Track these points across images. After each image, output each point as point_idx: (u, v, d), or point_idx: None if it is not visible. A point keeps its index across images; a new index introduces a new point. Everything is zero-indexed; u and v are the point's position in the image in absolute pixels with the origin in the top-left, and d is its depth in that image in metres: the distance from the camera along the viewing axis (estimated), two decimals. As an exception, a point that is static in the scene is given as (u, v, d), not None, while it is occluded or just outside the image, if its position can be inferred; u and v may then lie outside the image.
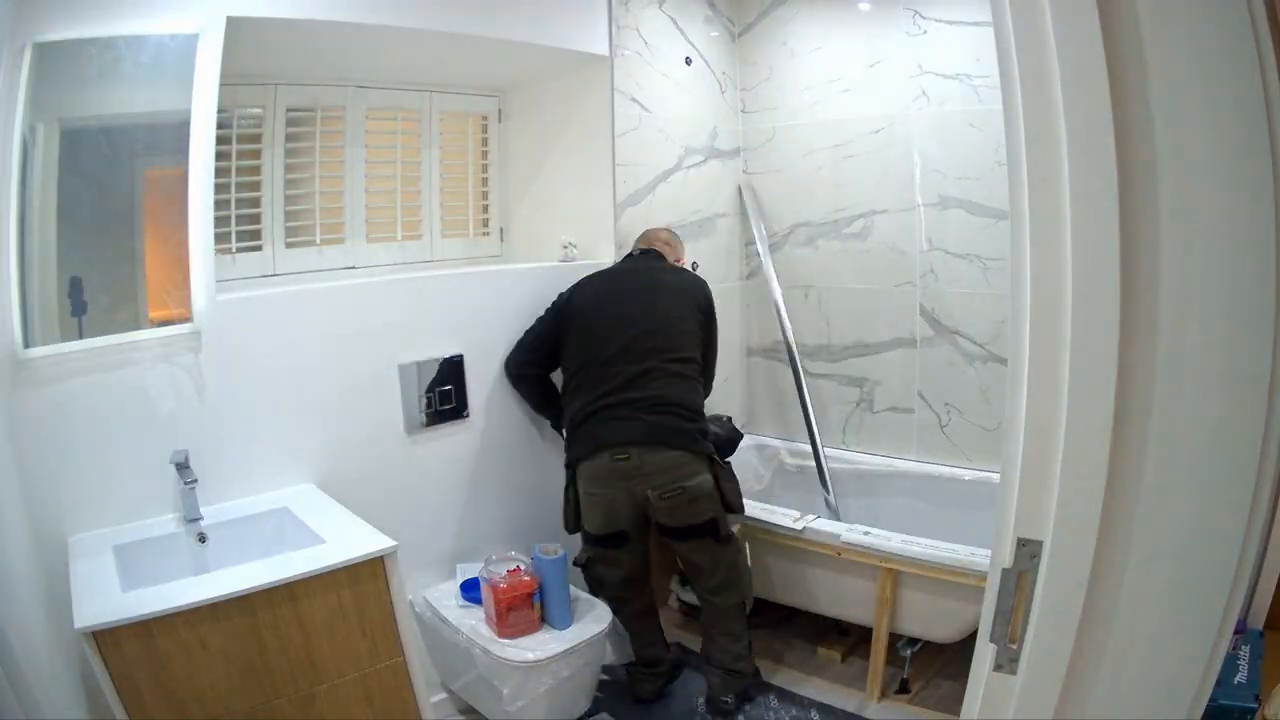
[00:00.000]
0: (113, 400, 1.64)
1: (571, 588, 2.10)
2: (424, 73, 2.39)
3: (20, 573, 1.38)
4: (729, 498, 2.11)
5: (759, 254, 2.92)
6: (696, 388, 2.17)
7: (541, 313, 2.31)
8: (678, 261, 2.42)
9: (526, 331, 2.29)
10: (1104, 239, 0.66)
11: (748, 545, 2.30)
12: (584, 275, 2.33)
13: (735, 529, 2.24)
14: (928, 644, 2.25)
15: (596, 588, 2.22)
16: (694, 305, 2.23)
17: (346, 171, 2.32)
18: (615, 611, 2.16)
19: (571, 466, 2.15)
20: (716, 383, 2.38)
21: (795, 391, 2.76)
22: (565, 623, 2.03)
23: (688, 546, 2.15)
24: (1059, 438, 0.69)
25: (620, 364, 2.10)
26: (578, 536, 2.23)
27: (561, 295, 2.29)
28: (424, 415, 2.17)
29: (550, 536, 2.43)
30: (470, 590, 2.13)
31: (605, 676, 2.28)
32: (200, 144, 1.68)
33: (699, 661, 2.32)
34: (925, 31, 2.54)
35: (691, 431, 2.07)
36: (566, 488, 2.19)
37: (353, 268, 2.36)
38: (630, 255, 2.41)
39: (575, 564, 2.23)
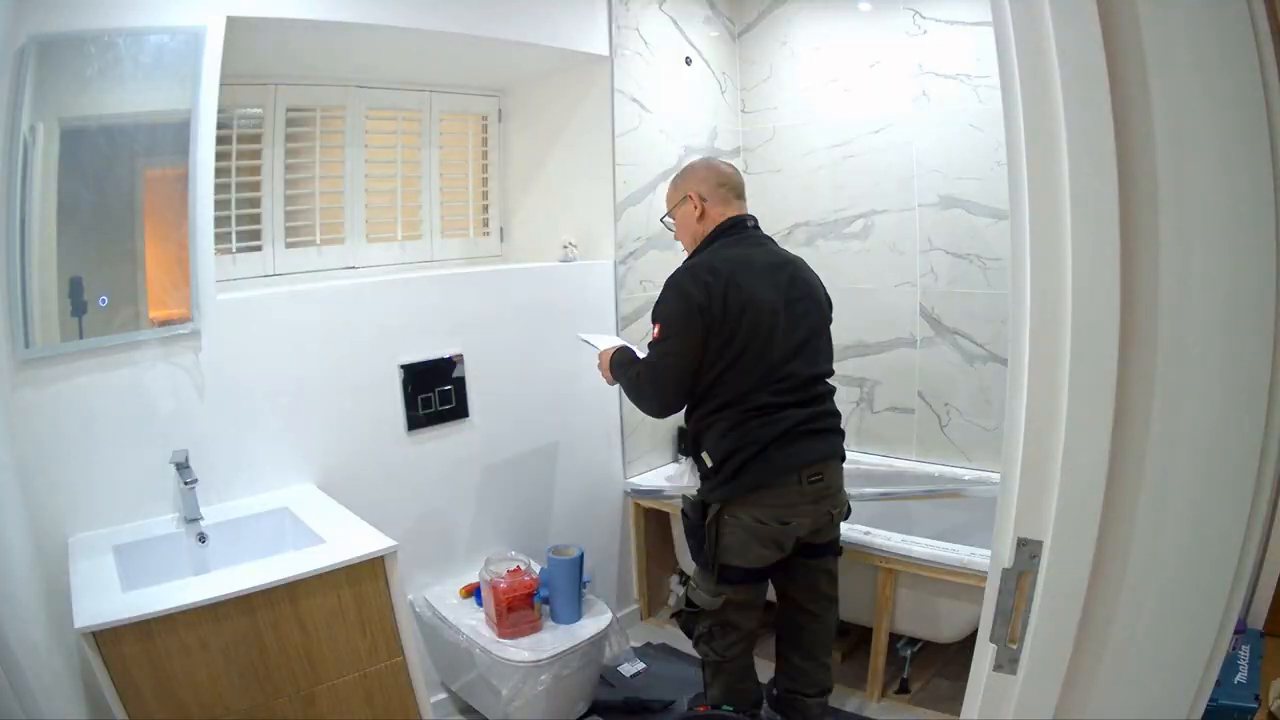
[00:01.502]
0: (113, 400, 1.65)
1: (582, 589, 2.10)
2: (424, 73, 2.39)
3: (20, 573, 1.38)
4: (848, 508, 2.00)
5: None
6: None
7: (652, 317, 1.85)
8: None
9: (664, 356, 1.80)
10: (1104, 239, 0.66)
11: None
12: (706, 256, 1.86)
13: None
14: (928, 644, 2.25)
15: (716, 634, 1.90)
16: (825, 302, 1.95)
17: (346, 171, 2.32)
18: (735, 658, 1.92)
19: (728, 498, 1.81)
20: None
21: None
22: (575, 618, 2.04)
23: (819, 563, 1.96)
24: (1059, 438, 0.69)
25: (797, 367, 1.81)
26: (595, 540, 2.16)
27: (691, 287, 1.77)
28: (424, 415, 2.17)
29: (550, 535, 2.43)
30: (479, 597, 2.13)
31: (605, 676, 2.28)
32: (201, 144, 1.69)
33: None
34: (925, 31, 2.54)
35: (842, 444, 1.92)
36: (709, 524, 1.84)
37: (353, 268, 2.36)
38: (744, 225, 1.91)
39: (686, 610, 1.95)
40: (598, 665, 2.12)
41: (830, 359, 1.94)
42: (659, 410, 1.89)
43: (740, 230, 1.90)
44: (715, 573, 1.85)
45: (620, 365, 1.96)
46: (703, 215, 1.90)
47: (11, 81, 1.45)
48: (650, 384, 1.85)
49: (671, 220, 2.00)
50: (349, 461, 2.03)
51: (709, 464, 1.85)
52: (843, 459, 1.91)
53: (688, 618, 1.97)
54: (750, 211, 1.95)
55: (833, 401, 1.91)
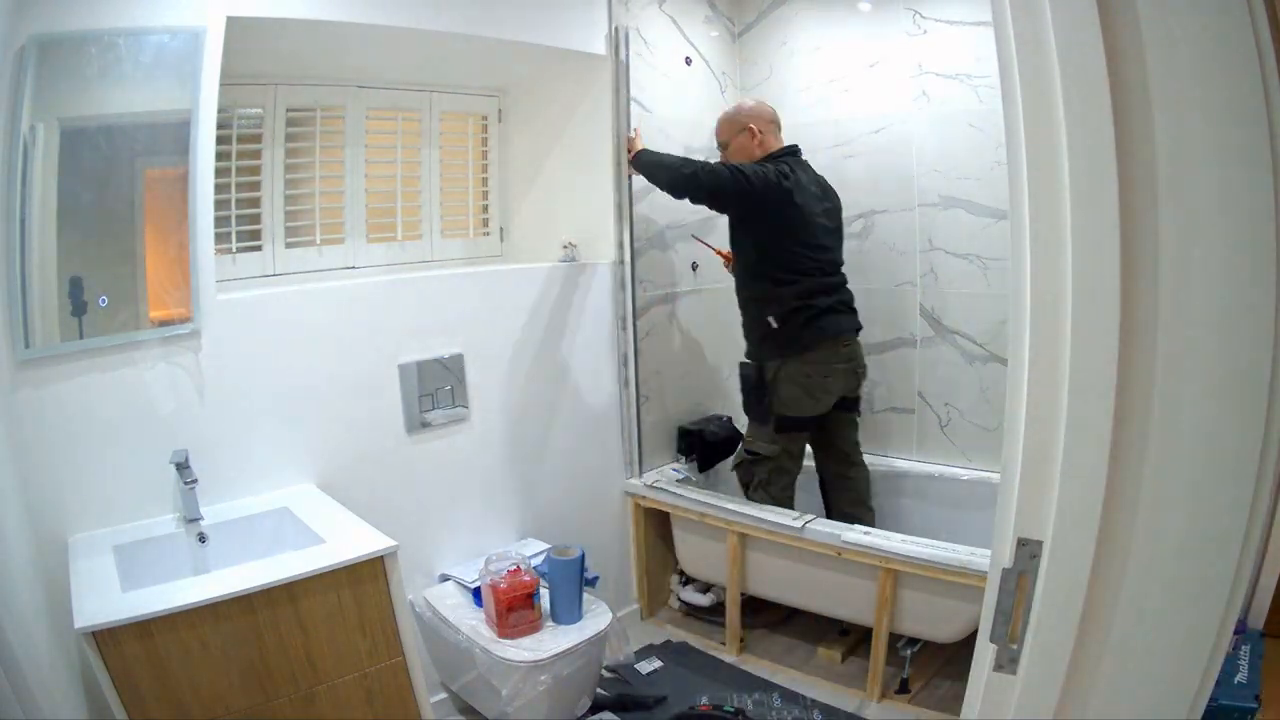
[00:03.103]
0: (113, 400, 1.65)
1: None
2: (424, 73, 2.39)
3: (20, 572, 1.38)
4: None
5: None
6: None
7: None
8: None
9: (738, 172, 2.26)
10: (1104, 239, 0.66)
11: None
12: (774, 155, 2.37)
13: None
14: (928, 644, 2.25)
15: (771, 478, 2.42)
16: (841, 207, 2.49)
17: (346, 171, 2.32)
18: (787, 495, 2.43)
19: (786, 355, 2.33)
20: (714, 381, 2.40)
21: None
22: (575, 618, 2.04)
23: (850, 416, 2.49)
24: (1059, 438, 0.69)
25: (832, 257, 2.39)
26: (595, 540, 2.20)
27: (771, 164, 2.31)
28: (424, 415, 2.17)
29: (550, 536, 2.43)
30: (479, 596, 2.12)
31: (610, 674, 2.28)
32: (201, 144, 1.69)
33: (699, 662, 2.30)
34: (925, 31, 2.54)
35: None
36: (771, 380, 2.35)
37: (353, 268, 2.36)
38: (798, 151, 2.43)
39: (746, 458, 2.47)
40: (598, 665, 2.12)
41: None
42: (697, 193, 2.31)
43: (796, 154, 2.41)
44: (774, 424, 2.37)
45: (661, 160, 2.37)
46: (761, 144, 2.38)
47: (11, 81, 1.45)
48: (710, 177, 2.26)
49: (725, 148, 2.45)
50: (349, 461, 2.03)
51: (774, 325, 2.34)
52: (858, 330, 2.44)
53: (747, 466, 2.47)
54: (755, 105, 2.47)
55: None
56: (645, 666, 2.45)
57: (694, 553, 2.65)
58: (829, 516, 2.46)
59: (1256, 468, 0.68)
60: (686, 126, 2.78)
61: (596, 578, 2.17)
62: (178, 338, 1.72)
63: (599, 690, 2.19)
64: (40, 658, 1.32)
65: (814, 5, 2.77)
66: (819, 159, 2.80)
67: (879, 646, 2.21)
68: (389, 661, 1.60)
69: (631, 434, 2.71)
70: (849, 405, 2.47)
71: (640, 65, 2.57)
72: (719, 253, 2.67)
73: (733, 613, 2.53)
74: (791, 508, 2.42)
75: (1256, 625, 1.76)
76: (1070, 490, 0.70)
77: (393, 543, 1.57)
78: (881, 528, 2.23)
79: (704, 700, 2.24)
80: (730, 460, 2.68)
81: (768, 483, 2.42)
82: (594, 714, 2.17)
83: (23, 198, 1.48)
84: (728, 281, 2.95)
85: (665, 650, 2.58)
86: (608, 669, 2.36)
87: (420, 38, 2.04)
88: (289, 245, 2.22)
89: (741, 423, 2.74)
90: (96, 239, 1.62)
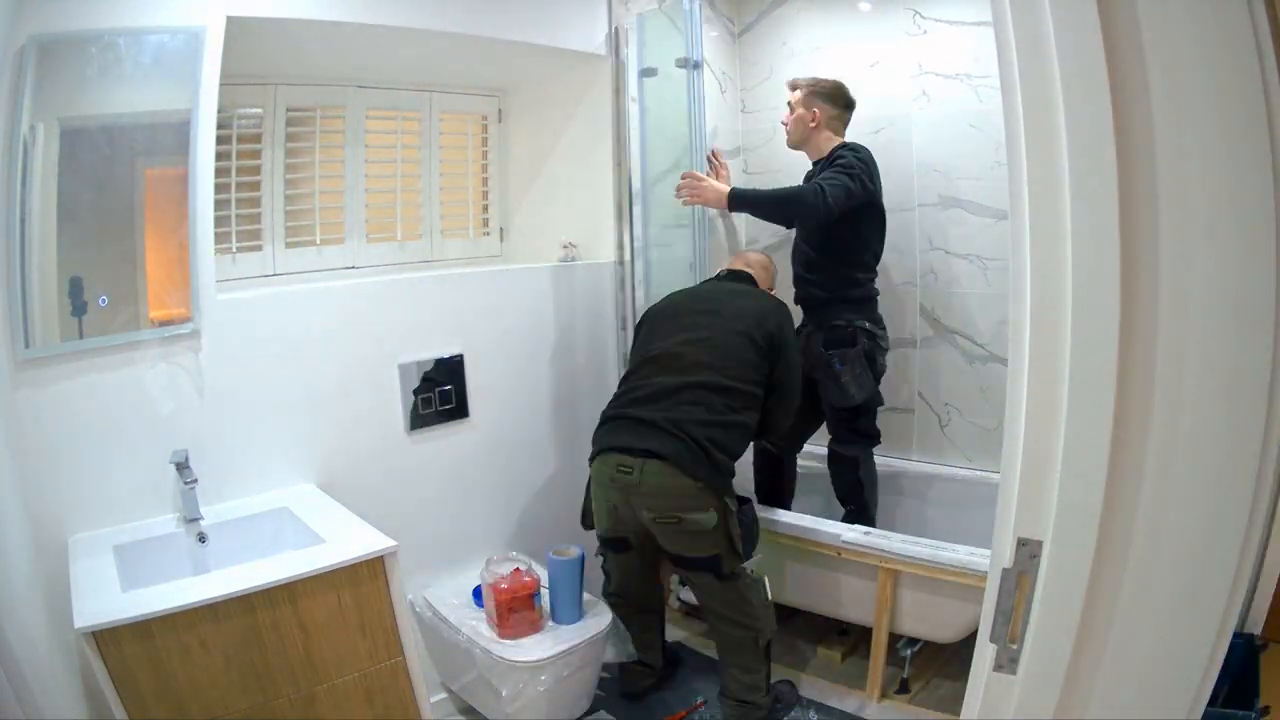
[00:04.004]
0: (113, 400, 1.65)
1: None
2: (424, 73, 2.39)
3: (20, 573, 1.38)
4: (736, 544, 1.95)
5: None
6: (735, 424, 1.96)
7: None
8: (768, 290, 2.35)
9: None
10: (1104, 239, 0.66)
11: (767, 580, 2.09)
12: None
13: (751, 565, 2.06)
14: (928, 644, 2.25)
15: (606, 582, 2.20)
16: (759, 332, 2.03)
17: (346, 171, 2.32)
18: (613, 608, 2.15)
19: (590, 462, 2.08)
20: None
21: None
22: (574, 618, 2.04)
23: (691, 575, 2.06)
24: (1059, 438, 0.69)
25: (659, 373, 2.01)
26: (595, 540, 2.18)
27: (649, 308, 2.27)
28: (424, 415, 2.17)
29: (551, 536, 2.43)
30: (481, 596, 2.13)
31: (605, 675, 2.27)
32: (201, 144, 1.69)
33: (699, 663, 2.30)
34: (925, 31, 2.53)
35: (706, 465, 1.89)
36: (589, 480, 2.12)
37: (353, 268, 2.36)
38: (718, 275, 2.33)
39: (597, 554, 2.23)
40: (598, 665, 2.12)
41: (730, 376, 1.98)
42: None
43: (715, 277, 2.34)
44: (589, 529, 2.14)
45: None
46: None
47: (11, 81, 1.45)
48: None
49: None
50: (349, 461, 2.03)
51: None
52: (688, 476, 1.87)
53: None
54: (745, 249, 2.55)
55: (708, 428, 1.91)
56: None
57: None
58: None
59: (1256, 468, 0.68)
60: (686, 126, 2.77)
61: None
62: (178, 338, 1.72)
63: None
64: (40, 658, 1.32)
65: (814, 5, 2.77)
66: (819, 159, 2.81)
67: (879, 646, 2.21)
68: (389, 661, 1.60)
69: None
70: (683, 563, 2.02)
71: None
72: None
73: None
74: (632, 641, 2.26)
75: (1256, 628, 1.75)
76: (1070, 490, 0.70)
77: (393, 543, 1.57)
78: (881, 528, 2.22)
79: (699, 699, 2.24)
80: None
81: (607, 581, 2.20)
82: (592, 714, 2.18)
83: (23, 198, 1.48)
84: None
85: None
86: (606, 671, 2.35)
87: (420, 38, 2.04)
88: (289, 245, 2.22)
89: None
90: (96, 239, 1.62)
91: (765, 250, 2.66)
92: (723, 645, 2.10)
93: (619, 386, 2.14)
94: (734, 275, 2.30)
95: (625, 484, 1.93)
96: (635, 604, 2.24)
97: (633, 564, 2.13)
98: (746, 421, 2.00)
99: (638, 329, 2.23)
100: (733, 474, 1.98)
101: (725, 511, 1.93)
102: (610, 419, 2.04)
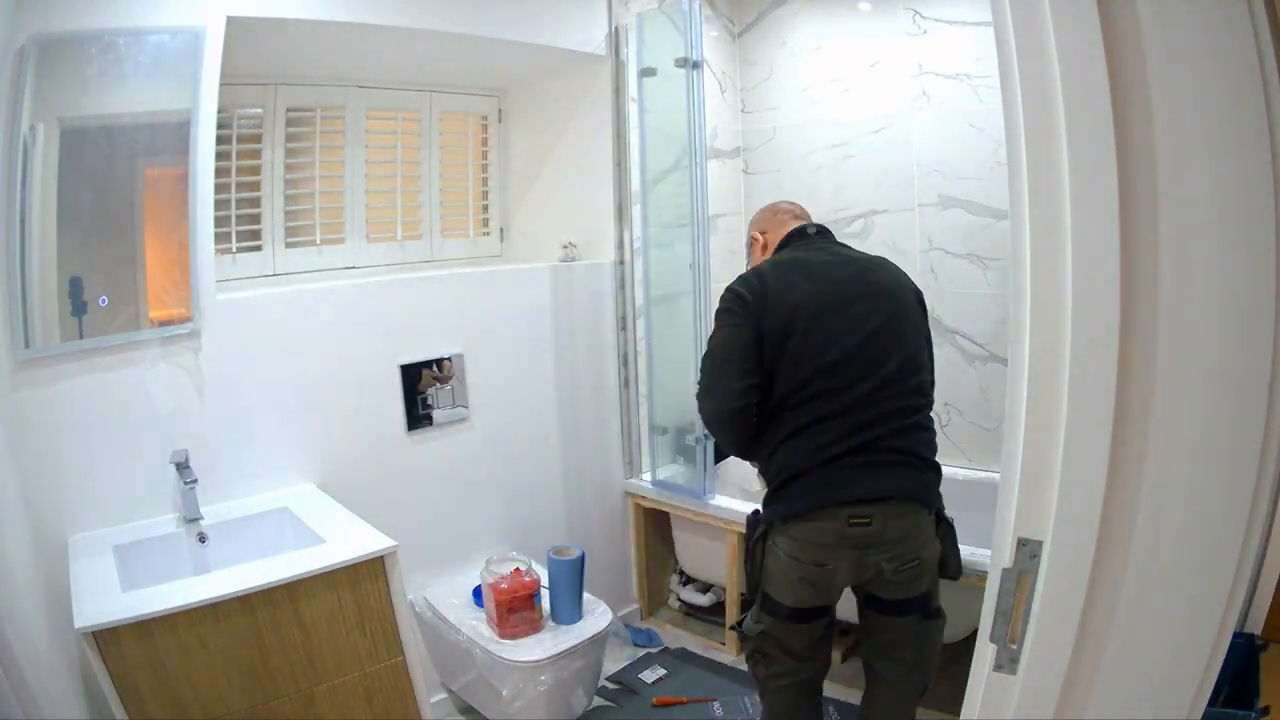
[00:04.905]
0: (113, 400, 1.65)
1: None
2: (424, 73, 2.39)
3: (20, 572, 1.38)
4: (950, 565, 1.66)
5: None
6: (933, 421, 1.68)
7: (717, 318, 1.67)
8: None
9: (719, 347, 1.64)
10: (1104, 239, 0.66)
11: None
12: (766, 264, 1.71)
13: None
14: (928, 644, 2.24)
15: (760, 663, 1.72)
16: (920, 307, 1.71)
17: (346, 171, 2.32)
18: (776, 691, 1.73)
19: (772, 521, 1.63)
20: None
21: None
22: (574, 619, 2.04)
23: (890, 621, 1.67)
24: (1059, 438, 0.69)
25: (859, 388, 1.55)
26: (595, 540, 2.12)
27: (741, 287, 1.63)
28: (424, 415, 2.17)
29: (551, 536, 2.43)
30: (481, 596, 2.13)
31: (612, 685, 2.27)
32: (201, 144, 1.69)
33: (703, 663, 2.18)
34: (925, 31, 2.53)
35: (935, 488, 1.63)
36: (755, 543, 1.67)
37: (353, 268, 2.36)
38: (804, 233, 1.75)
39: (733, 629, 1.84)
40: (598, 665, 2.12)
41: (919, 369, 1.64)
42: (712, 412, 1.66)
43: (800, 238, 1.75)
44: (759, 600, 1.68)
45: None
46: (765, 247, 1.81)
47: (11, 81, 1.45)
48: (703, 376, 1.67)
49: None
50: (349, 461, 2.03)
51: (761, 480, 1.69)
52: (925, 503, 1.58)
53: (739, 637, 1.80)
54: (779, 203, 1.86)
55: (919, 425, 1.62)
56: (649, 676, 2.44)
57: (694, 553, 2.65)
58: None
59: (1256, 468, 0.68)
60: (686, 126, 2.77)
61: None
62: (178, 338, 1.72)
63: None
64: (40, 658, 1.32)
65: (814, 5, 2.77)
66: (819, 159, 2.81)
67: (879, 646, 2.20)
68: (389, 661, 1.60)
69: (631, 434, 2.71)
70: (887, 607, 1.65)
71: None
72: None
73: (732, 613, 2.52)
74: (810, 707, 1.76)
75: (1255, 628, 1.75)
76: (1070, 490, 0.70)
77: (393, 543, 1.57)
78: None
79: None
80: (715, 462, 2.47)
81: (753, 660, 1.73)
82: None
83: (23, 198, 1.48)
84: (727, 281, 2.96)
85: (664, 657, 2.57)
86: (610, 680, 2.36)
87: (420, 38, 2.04)
88: (289, 245, 2.22)
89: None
90: (96, 239, 1.62)
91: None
92: (892, 695, 1.75)
93: (784, 412, 1.59)
94: (824, 232, 1.78)
95: (863, 537, 1.54)
96: (812, 680, 1.76)
97: (819, 632, 1.69)
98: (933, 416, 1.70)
99: (757, 325, 1.58)
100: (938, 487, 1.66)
101: (942, 533, 1.65)
102: (819, 463, 1.55)
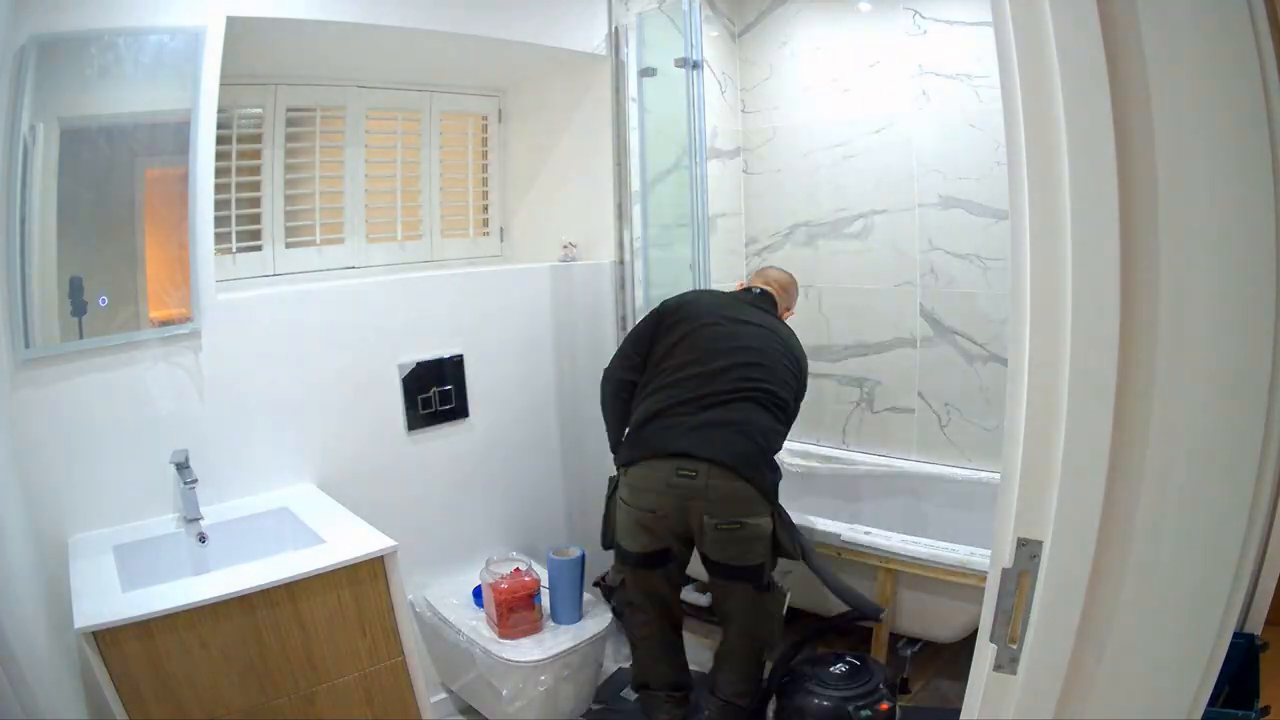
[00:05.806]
0: (113, 400, 1.65)
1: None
2: (424, 73, 2.39)
3: (20, 573, 1.38)
4: (785, 546, 1.91)
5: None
6: (782, 432, 1.97)
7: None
8: (787, 311, 2.28)
9: (625, 339, 2.15)
10: (1104, 239, 0.66)
11: (789, 595, 2.04)
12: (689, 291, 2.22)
13: (779, 579, 2.00)
14: (928, 644, 2.25)
15: (626, 612, 2.03)
16: (794, 358, 2.06)
17: (346, 171, 2.32)
18: (644, 638, 2.01)
19: (621, 470, 1.95)
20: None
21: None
22: (574, 619, 2.04)
23: (725, 585, 1.93)
24: (1059, 438, 0.69)
25: (719, 379, 1.90)
26: (595, 540, 2.12)
27: (666, 300, 2.11)
28: (424, 415, 2.17)
29: (551, 536, 2.43)
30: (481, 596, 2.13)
31: (622, 696, 2.27)
32: (201, 144, 1.69)
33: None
34: (925, 31, 2.53)
35: (766, 470, 1.87)
36: (609, 498, 2.01)
37: (353, 268, 2.36)
38: (749, 290, 2.22)
39: (597, 585, 2.12)
40: (598, 665, 2.12)
41: (772, 378, 1.95)
42: (606, 371, 2.11)
43: (745, 291, 2.20)
44: (615, 553, 1.99)
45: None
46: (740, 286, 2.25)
47: (11, 81, 1.45)
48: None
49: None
50: (349, 461, 2.03)
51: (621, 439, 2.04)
52: (753, 483, 1.82)
53: (604, 592, 2.10)
54: (768, 265, 2.41)
55: (767, 433, 1.90)
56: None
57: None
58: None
59: (1256, 468, 0.68)
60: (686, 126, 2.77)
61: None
62: (178, 338, 1.72)
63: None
64: (40, 658, 1.32)
65: (814, 5, 2.77)
66: (819, 159, 2.82)
67: (879, 646, 2.21)
68: (389, 661, 1.60)
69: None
70: (722, 571, 1.89)
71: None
72: None
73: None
74: (663, 665, 2.02)
75: (1255, 628, 1.75)
76: (1070, 490, 0.70)
77: (393, 543, 1.57)
78: (881, 528, 2.22)
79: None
80: None
81: (620, 614, 2.06)
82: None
83: (23, 198, 1.48)
84: (729, 281, 2.96)
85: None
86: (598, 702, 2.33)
87: (420, 38, 2.04)
88: (289, 245, 2.22)
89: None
90: (96, 239, 1.62)
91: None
92: (729, 650, 2.00)
93: (651, 381, 1.99)
94: (764, 294, 2.19)
95: (687, 488, 1.82)
96: (672, 620, 2.04)
97: (671, 578, 1.98)
98: (784, 430, 1.98)
99: (657, 320, 2.06)
100: (777, 482, 1.92)
101: (776, 520, 1.90)
102: (658, 414, 1.90)
